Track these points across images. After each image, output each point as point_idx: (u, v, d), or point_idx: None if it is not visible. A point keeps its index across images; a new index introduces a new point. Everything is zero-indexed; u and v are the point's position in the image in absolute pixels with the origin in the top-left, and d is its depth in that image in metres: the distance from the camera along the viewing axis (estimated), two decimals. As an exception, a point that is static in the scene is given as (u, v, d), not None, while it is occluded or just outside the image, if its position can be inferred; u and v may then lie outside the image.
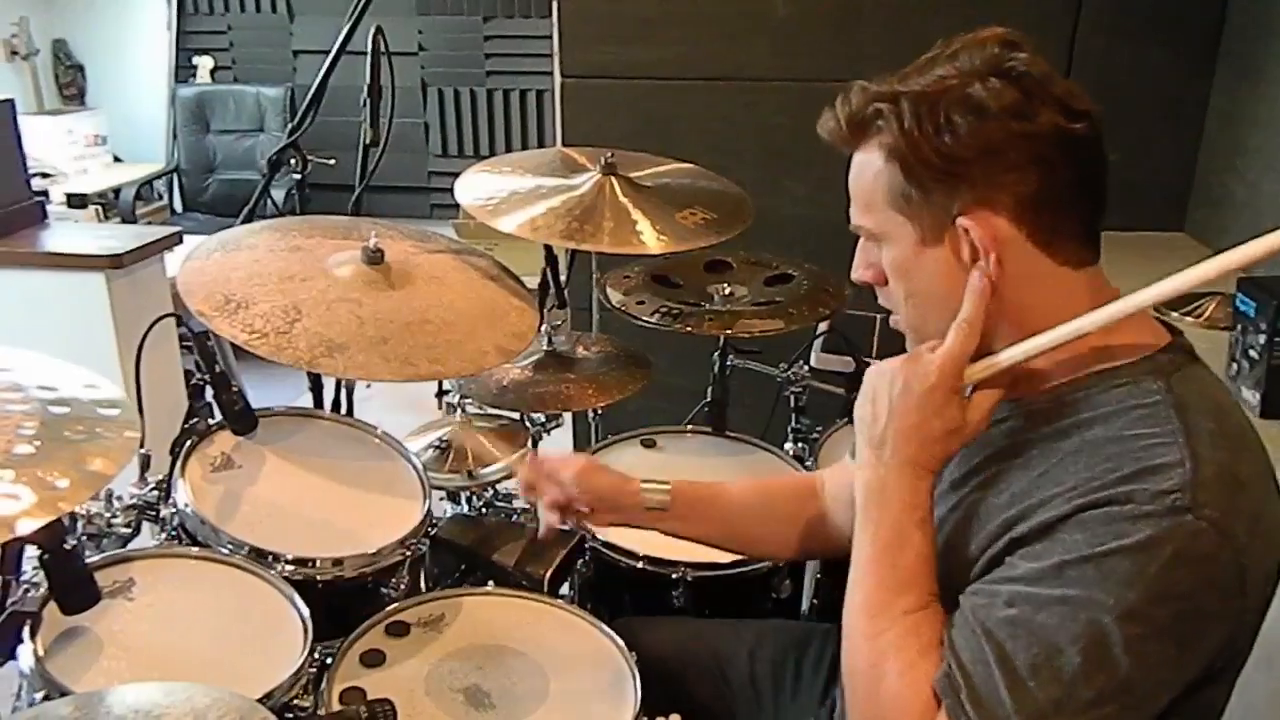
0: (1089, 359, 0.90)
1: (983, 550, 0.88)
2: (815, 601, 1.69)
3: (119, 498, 1.33)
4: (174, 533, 1.33)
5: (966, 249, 0.88)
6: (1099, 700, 0.77)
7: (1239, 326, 1.42)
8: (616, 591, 1.54)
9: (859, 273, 0.99)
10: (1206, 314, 1.77)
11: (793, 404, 1.92)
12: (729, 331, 1.73)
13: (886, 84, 0.90)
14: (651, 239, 1.60)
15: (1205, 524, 0.76)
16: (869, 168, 0.92)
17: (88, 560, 1.18)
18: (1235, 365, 1.44)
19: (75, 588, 1.07)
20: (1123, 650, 0.76)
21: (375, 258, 1.51)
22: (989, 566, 0.87)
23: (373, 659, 1.23)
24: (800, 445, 1.87)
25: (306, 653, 1.15)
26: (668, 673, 1.32)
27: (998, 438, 0.94)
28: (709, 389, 1.87)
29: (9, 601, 1.06)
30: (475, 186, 1.70)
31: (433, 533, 1.50)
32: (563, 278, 1.82)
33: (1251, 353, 1.39)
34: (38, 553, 1.05)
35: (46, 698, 1.02)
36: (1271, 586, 0.85)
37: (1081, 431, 0.86)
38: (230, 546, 1.28)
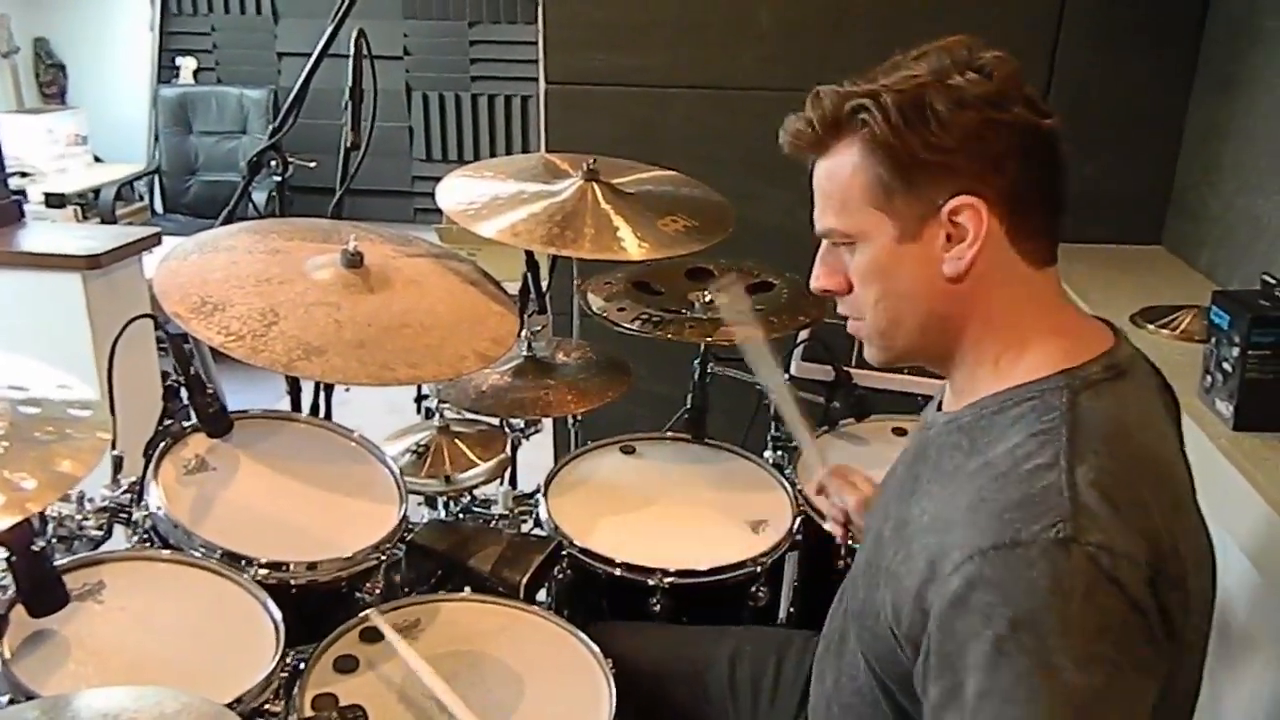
0: (1017, 372, 0.91)
1: (916, 575, 0.86)
2: (792, 609, 1.69)
3: (90, 499, 1.32)
4: (146, 535, 1.31)
5: (943, 239, 0.89)
6: None
7: (1213, 339, 1.43)
8: (593, 598, 1.53)
9: (820, 281, 0.99)
10: (1182, 327, 1.79)
11: (772, 412, 1.92)
12: (709, 339, 1.73)
13: (858, 85, 0.91)
14: (633, 245, 1.60)
15: (1093, 548, 0.76)
16: (844, 166, 0.91)
17: (57, 562, 1.16)
18: (1209, 378, 1.45)
19: (43, 590, 1.06)
20: (1099, 700, 0.75)
21: (354, 261, 1.50)
22: (915, 614, 0.85)
23: (346, 665, 1.22)
24: (780, 453, 1.87)
25: (278, 658, 1.14)
26: (645, 680, 1.31)
27: (931, 451, 0.96)
28: (689, 396, 1.87)
29: (-25, 604, 1.05)
30: (457, 191, 1.70)
31: (409, 537, 1.49)
32: (544, 283, 1.81)
33: (1225, 365, 1.40)
34: (5, 554, 1.04)
35: (12, 701, 1.01)
36: (1197, 601, 0.84)
37: (987, 451, 0.87)
38: (203, 550, 1.27)
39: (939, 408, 1.03)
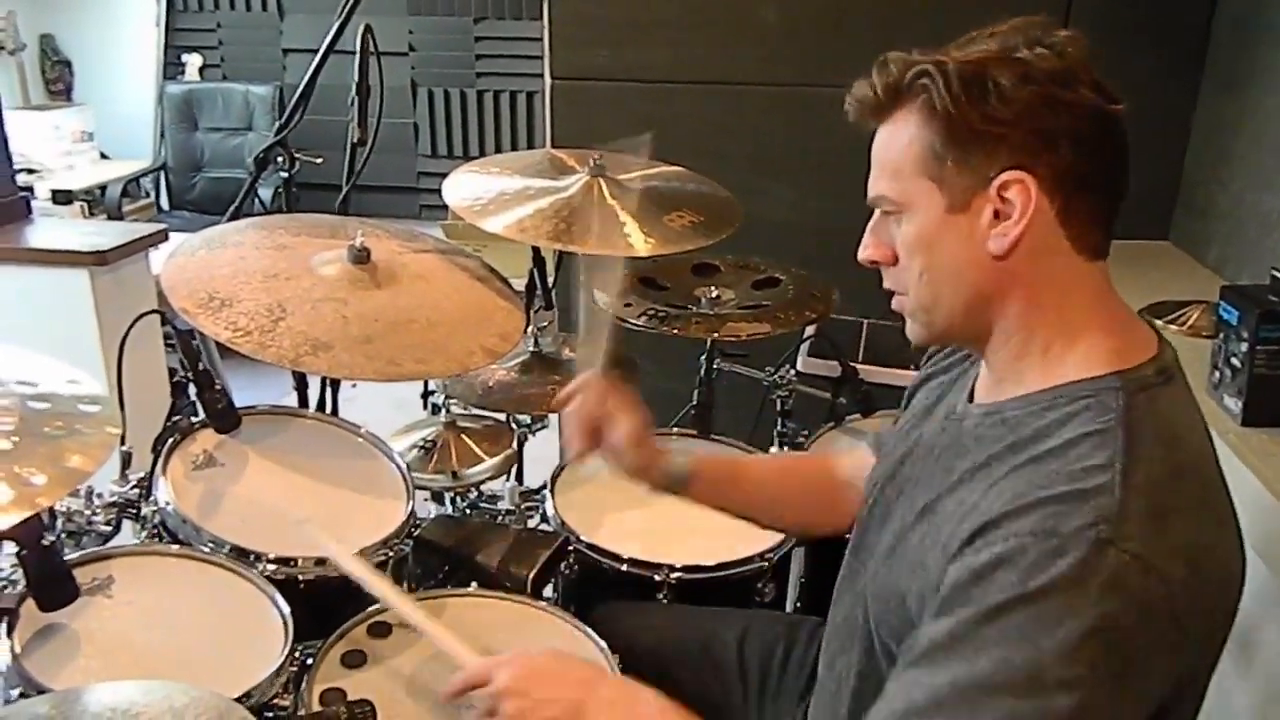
0: (1066, 367, 0.89)
1: (941, 560, 0.86)
2: (799, 604, 1.69)
3: (100, 495, 1.32)
4: (155, 531, 1.32)
5: (990, 212, 0.87)
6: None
7: (1221, 335, 1.43)
8: (600, 593, 1.53)
9: (867, 251, 0.97)
10: (1190, 322, 1.79)
11: (779, 408, 1.93)
12: (716, 335, 1.73)
13: (927, 53, 0.90)
14: (639, 241, 1.60)
15: (1129, 556, 0.75)
16: (901, 134, 0.90)
17: (66, 557, 1.17)
18: (1218, 374, 1.45)
19: (53, 584, 1.06)
20: (1062, 689, 0.75)
21: (361, 257, 1.50)
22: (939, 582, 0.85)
23: (354, 659, 1.23)
24: (786, 449, 1.87)
25: (286, 652, 1.14)
26: (652, 659, 1.31)
27: (969, 442, 0.94)
28: (695, 392, 1.87)
29: (-14, 598, 1.06)
30: (463, 187, 1.70)
31: (416, 533, 1.49)
32: (550, 279, 1.81)
33: (1234, 361, 1.40)
34: (15, 549, 1.04)
35: (23, 695, 1.01)
36: (1219, 619, 0.84)
37: (1035, 445, 0.86)
38: (211, 545, 1.28)
39: (970, 398, 1.01)
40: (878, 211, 0.96)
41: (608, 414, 1.25)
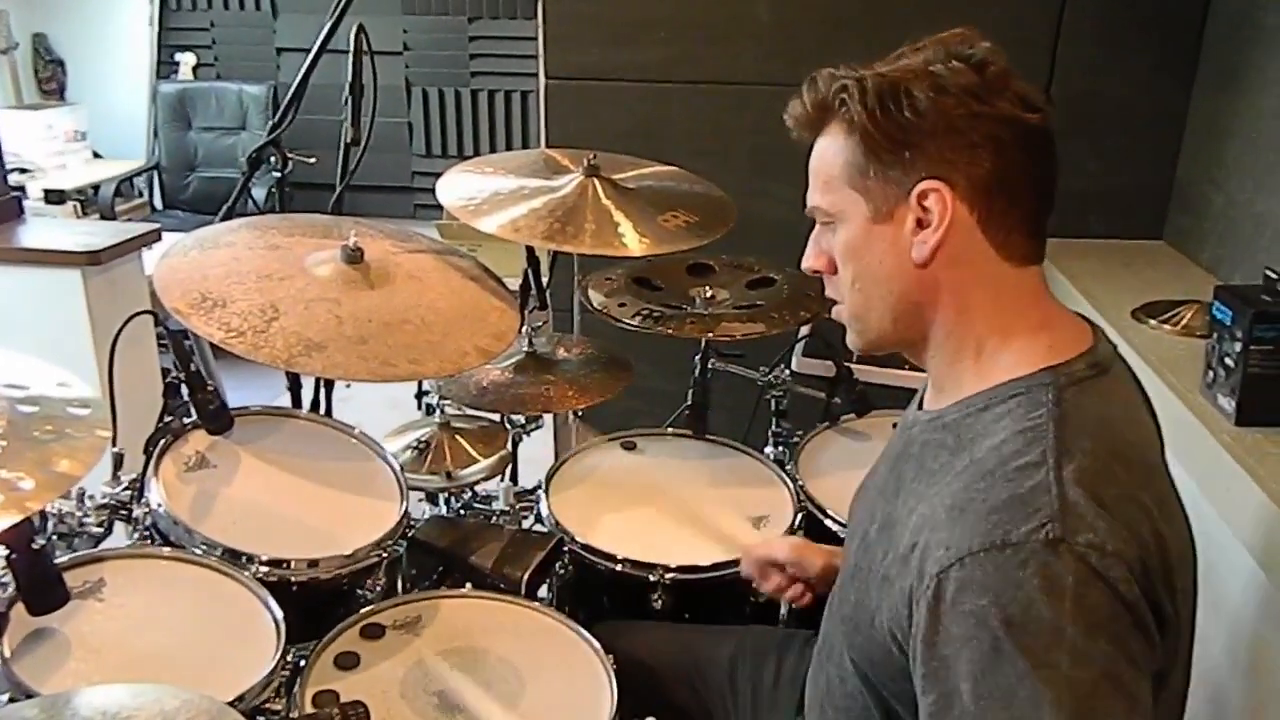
0: (1000, 369, 0.91)
1: (905, 576, 0.86)
2: (793, 606, 1.69)
3: (91, 497, 1.31)
4: (147, 533, 1.31)
5: (913, 221, 0.90)
6: None
7: (1215, 334, 1.43)
8: (595, 594, 1.53)
9: (810, 261, 1.02)
10: (1184, 322, 1.79)
11: (773, 408, 1.92)
12: (710, 334, 1.73)
13: (851, 70, 0.93)
14: (633, 241, 1.60)
15: (1083, 548, 0.77)
16: (830, 147, 0.95)
17: (57, 560, 1.16)
18: (1211, 373, 1.45)
19: (43, 588, 1.06)
20: (1101, 695, 0.75)
21: (354, 257, 1.50)
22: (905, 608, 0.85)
23: (347, 661, 1.22)
24: (780, 449, 1.87)
25: (279, 655, 1.14)
26: (646, 677, 1.32)
27: (915, 449, 0.96)
28: (690, 392, 1.86)
29: (-26, 601, 1.05)
30: (457, 186, 1.69)
31: (410, 534, 1.49)
32: (544, 279, 1.81)
33: (1227, 360, 1.40)
34: (5, 552, 1.04)
35: (12, 699, 1.01)
36: (1179, 592, 0.85)
37: (972, 448, 0.87)
38: (203, 547, 1.27)
39: (920, 405, 1.03)
40: (817, 223, 1.00)
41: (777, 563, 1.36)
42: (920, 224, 0.90)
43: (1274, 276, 1.39)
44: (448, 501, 1.84)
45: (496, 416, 1.88)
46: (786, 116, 0.99)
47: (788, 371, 1.94)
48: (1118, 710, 0.75)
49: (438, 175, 1.73)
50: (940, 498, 0.85)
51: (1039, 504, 0.79)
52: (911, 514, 0.89)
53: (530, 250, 1.74)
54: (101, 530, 1.31)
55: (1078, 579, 0.76)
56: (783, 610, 1.66)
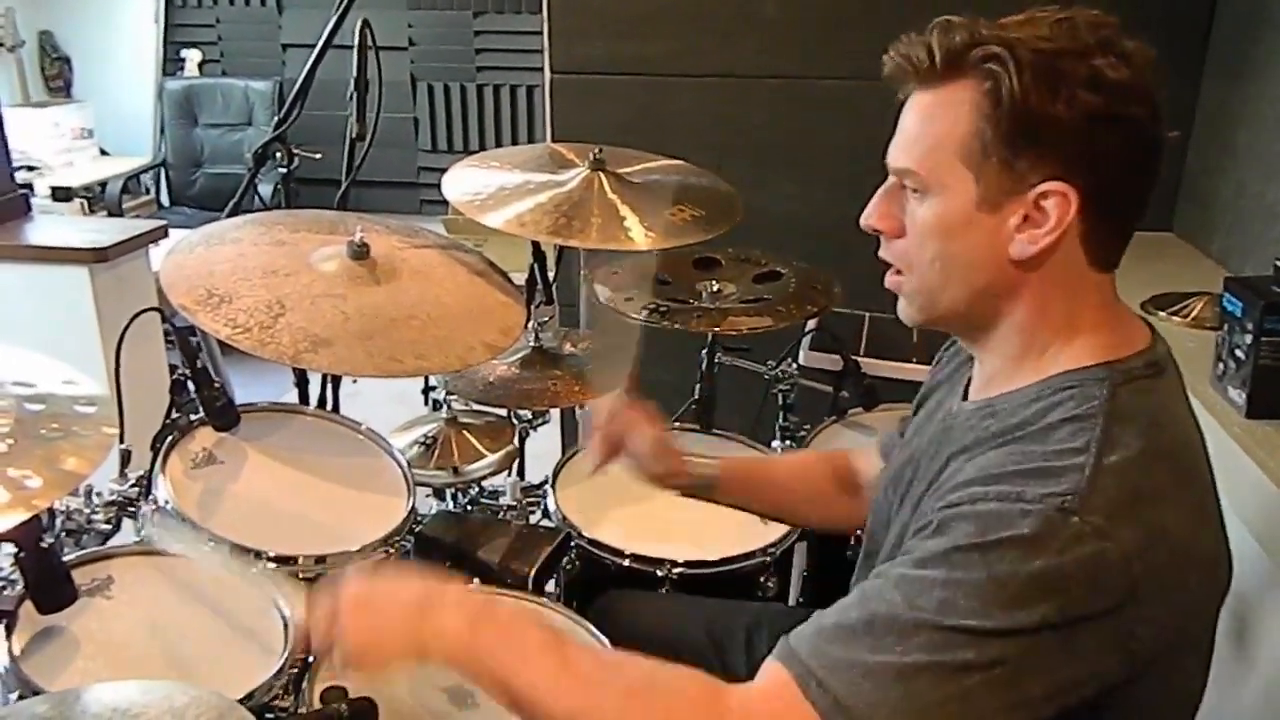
0: (1060, 359, 0.89)
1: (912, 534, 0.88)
2: (802, 599, 1.69)
3: (99, 494, 1.31)
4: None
5: (1021, 217, 0.85)
6: (965, 667, 0.75)
7: (1225, 326, 1.42)
8: (602, 589, 1.53)
9: (872, 219, 0.93)
10: (1194, 314, 1.78)
11: (781, 402, 1.92)
12: (717, 329, 1.73)
13: (991, 28, 0.84)
14: (640, 235, 1.59)
15: (1089, 529, 0.76)
16: (949, 111, 0.85)
17: (65, 557, 1.16)
18: (1221, 365, 1.44)
19: (52, 586, 1.06)
20: (998, 634, 0.75)
21: (360, 252, 1.49)
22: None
23: (355, 657, 1.22)
24: (788, 443, 1.86)
25: (288, 652, 1.14)
26: (660, 650, 1.31)
27: (957, 433, 0.94)
28: (697, 386, 1.86)
29: (-16, 600, 1.05)
30: (463, 182, 1.69)
31: (417, 530, 1.49)
32: (551, 274, 1.81)
33: (1238, 353, 1.39)
34: (13, 550, 1.04)
35: (21, 697, 1.01)
36: (1191, 609, 0.84)
37: (1018, 430, 0.86)
38: (211, 544, 1.27)
39: (964, 397, 1.00)
40: (892, 179, 0.92)
41: (630, 427, 1.31)
42: (1027, 219, 0.85)
43: (1285, 267, 1.38)
44: (455, 497, 1.84)
45: (503, 412, 1.88)
46: (894, 53, 0.88)
47: (795, 365, 1.94)
48: (1011, 671, 0.76)
49: (443, 170, 1.73)
50: (972, 467, 0.85)
51: (1066, 476, 0.78)
52: (935, 487, 0.89)
53: (536, 245, 1.74)
54: (110, 527, 1.31)
55: (1063, 547, 0.75)
56: (791, 601, 1.66)
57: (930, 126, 0.87)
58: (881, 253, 0.95)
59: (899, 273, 0.94)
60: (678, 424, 1.86)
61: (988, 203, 0.85)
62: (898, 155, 0.90)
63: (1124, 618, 0.77)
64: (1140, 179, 0.86)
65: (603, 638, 1.28)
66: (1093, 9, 0.87)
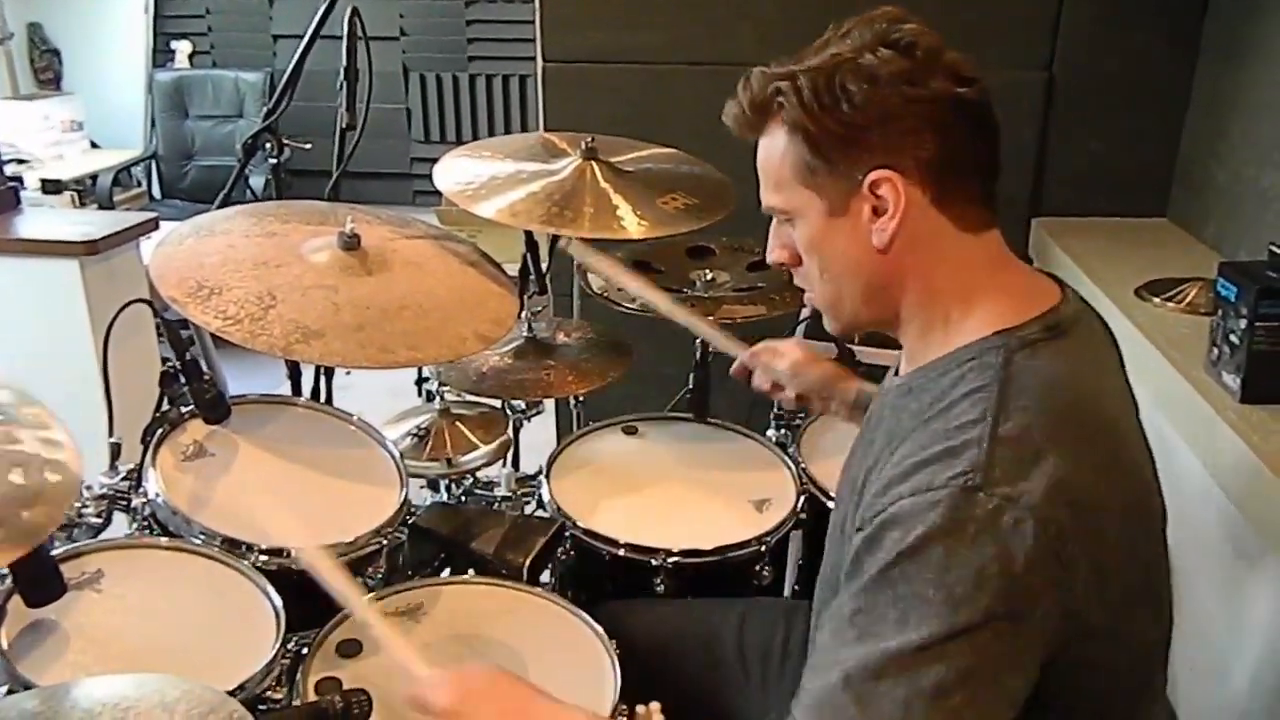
0: (961, 335, 0.93)
1: (854, 526, 0.90)
2: (797, 587, 1.69)
3: (89, 487, 1.31)
4: (145, 523, 1.31)
5: (869, 211, 0.92)
6: (942, 689, 0.77)
7: (1220, 311, 1.42)
8: (597, 579, 1.53)
9: (773, 255, 1.03)
10: (1188, 299, 1.77)
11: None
12: (711, 317, 1.72)
13: (783, 66, 0.94)
14: (632, 224, 1.58)
15: (999, 499, 0.78)
16: (775, 147, 0.95)
17: (55, 551, 1.16)
18: (1216, 351, 1.44)
19: (40, 580, 1.05)
20: (960, 637, 0.77)
21: (352, 243, 1.49)
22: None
23: (349, 649, 1.22)
24: (783, 432, 1.86)
25: (279, 644, 1.13)
26: (653, 655, 1.31)
27: (886, 413, 0.98)
28: (691, 375, 1.85)
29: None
30: (455, 172, 1.68)
31: (411, 521, 1.48)
32: (544, 264, 1.80)
33: (1232, 338, 1.39)
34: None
35: (11, 692, 1.00)
36: (1119, 559, 0.85)
37: (927, 409, 0.90)
38: (203, 536, 1.27)
39: (895, 374, 1.05)
40: (775, 218, 1.01)
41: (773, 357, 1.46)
42: (876, 212, 0.92)
43: (1279, 253, 1.37)
44: (449, 488, 1.84)
45: (497, 402, 1.87)
46: (725, 118, 0.99)
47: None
48: (976, 660, 0.77)
49: (436, 161, 1.72)
50: (896, 458, 0.88)
51: (966, 454, 0.81)
52: (873, 475, 0.91)
53: (529, 235, 1.73)
54: (100, 521, 1.30)
55: (981, 526, 0.78)
56: (786, 590, 1.66)
57: (769, 164, 0.97)
58: (795, 281, 1.05)
59: (810, 294, 1.03)
60: (673, 413, 1.85)
61: (836, 209, 0.94)
62: (763, 196, 1.00)
63: (1057, 580, 0.80)
64: (963, 141, 0.91)
65: (599, 627, 1.28)
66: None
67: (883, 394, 1.05)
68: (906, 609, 0.78)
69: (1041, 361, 0.89)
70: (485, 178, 1.65)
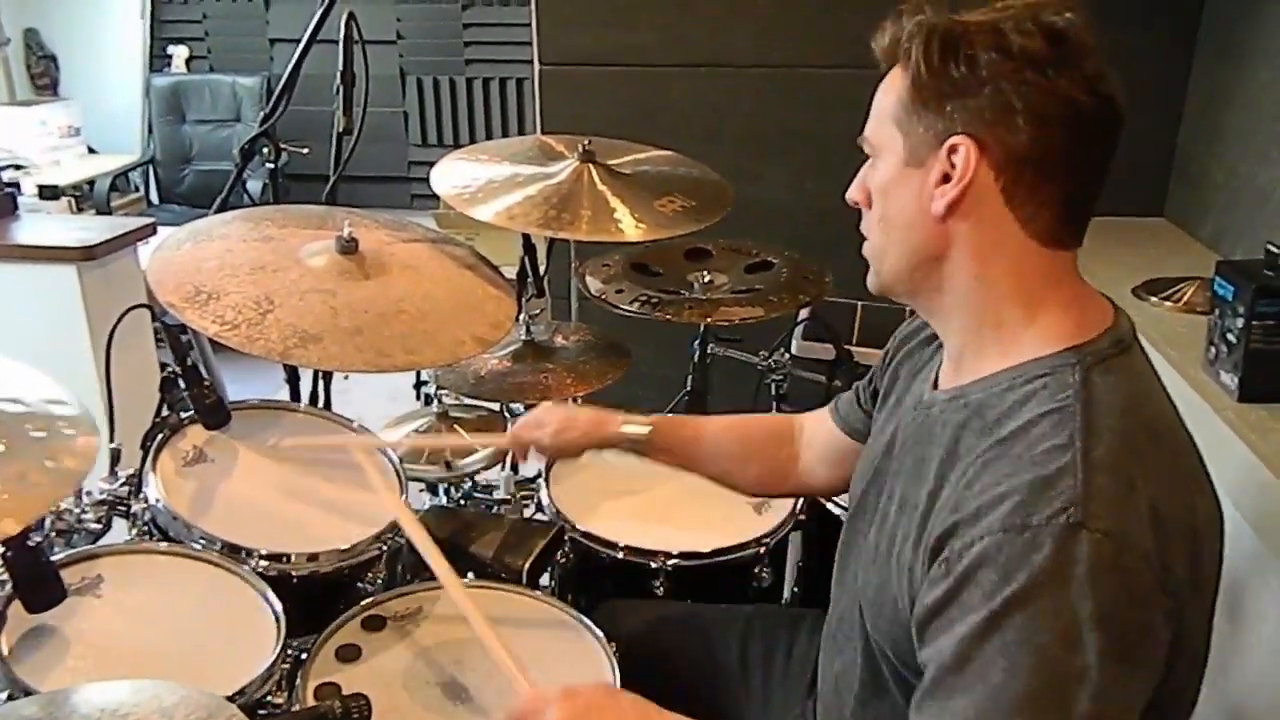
0: (1024, 347, 0.90)
1: (922, 559, 0.86)
2: (797, 589, 1.69)
3: (89, 493, 1.31)
4: (145, 528, 1.30)
5: (939, 173, 0.89)
6: None
7: (1217, 311, 1.42)
8: (596, 582, 1.53)
9: (851, 191, 1.01)
10: (1185, 298, 1.77)
11: (774, 392, 1.92)
12: (709, 319, 1.72)
13: (925, 15, 0.91)
14: (630, 227, 1.58)
15: (1100, 535, 0.76)
16: (890, 83, 0.94)
17: (54, 557, 1.16)
18: (1213, 349, 1.44)
19: (40, 585, 1.05)
20: (1075, 683, 0.75)
21: (349, 247, 1.49)
22: (919, 578, 0.86)
23: (348, 654, 1.22)
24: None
25: (279, 649, 1.13)
26: (655, 659, 1.31)
27: (938, 430, 0.94)
28: (689, 377, 1.86)
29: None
30: (452, 175, 1.68)
31: (410, 525, 1.48)
32: (541, 267, 1.80)
33: (1229, 337, 1.39)
34: (2, 549, 1.03)
35: (11, 698, 1.00)
36: (1202, 573, 0.84)
37: (998, 429, 0.86)
38: (203, 542, 1.26)
39: (935, 385, 1.01)
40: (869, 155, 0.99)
41: (533, 430, 1.39)
42: (945, 178, 0.89)
43: (1276, 251, 1.37)
44: (447, 491, 1.84)
45: (495, 405, 1.87)
46: (873, 44, 0.97)
47: (787, 355, 1.93)
48: (1088, 706, 0.74)
49: (434, 164, 1.72)
50: (966, 481, 0.85)
51: (1063, 487, 0.78)
52: (936, 497, 0.88)
53: (527, 238, 1.73)
54: (100, 526, 1.30)
55: (1090, 565, 0.75)
56: (786, 592, 1.66)
57: (881, 95, 0.95)
58: (861, 226, 1.01)
59: (868, 240, 1.00)
60: (672, 416, 1.85)
61: (913, 159, 0.91)
62: (867, 127, 0.98)
63: (1167, 612, 0.78)
64: (1063, 146, 0.88)
65: (598, 631, 1.28)
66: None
67: (924, 406, 0.99)
68: (1018, 657, 0.75)
69: (1117, 378, 0.86)
70: (483, 181, 1.65)
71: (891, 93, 0.93)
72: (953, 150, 0.88)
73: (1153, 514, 0.78)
